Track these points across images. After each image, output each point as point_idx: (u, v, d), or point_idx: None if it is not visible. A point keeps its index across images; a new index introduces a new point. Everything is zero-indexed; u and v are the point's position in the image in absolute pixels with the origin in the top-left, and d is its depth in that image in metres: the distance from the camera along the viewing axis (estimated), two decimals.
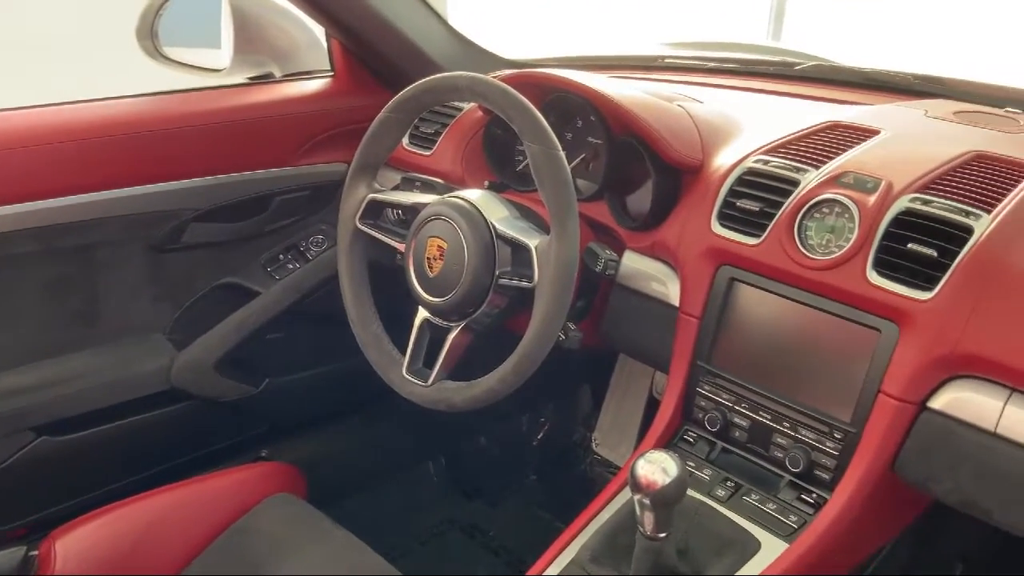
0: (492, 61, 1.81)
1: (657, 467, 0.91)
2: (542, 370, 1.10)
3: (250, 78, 1.70)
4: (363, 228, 1.27)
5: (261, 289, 1.67)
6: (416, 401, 1.20)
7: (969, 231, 0.98)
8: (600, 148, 1.37)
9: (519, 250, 1.13)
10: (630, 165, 1.30)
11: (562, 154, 1.07)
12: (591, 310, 1.32)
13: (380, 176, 1.29)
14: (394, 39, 1.62)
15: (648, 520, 0.94)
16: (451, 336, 1.18)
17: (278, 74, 1.72)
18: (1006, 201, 1.00)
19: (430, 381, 1.18)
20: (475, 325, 1.18)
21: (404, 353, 1.22)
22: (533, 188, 1.12)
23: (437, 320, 1.20)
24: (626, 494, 1.12)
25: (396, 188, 1.40)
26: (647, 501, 0.92)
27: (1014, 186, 1.03)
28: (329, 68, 1.74)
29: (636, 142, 1.26)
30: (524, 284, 1.12)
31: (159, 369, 1.59)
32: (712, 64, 1.77)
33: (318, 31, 1.71)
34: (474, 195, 1.19)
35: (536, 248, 1.10)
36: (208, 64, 1.68)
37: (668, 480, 0.91)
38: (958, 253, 0.97)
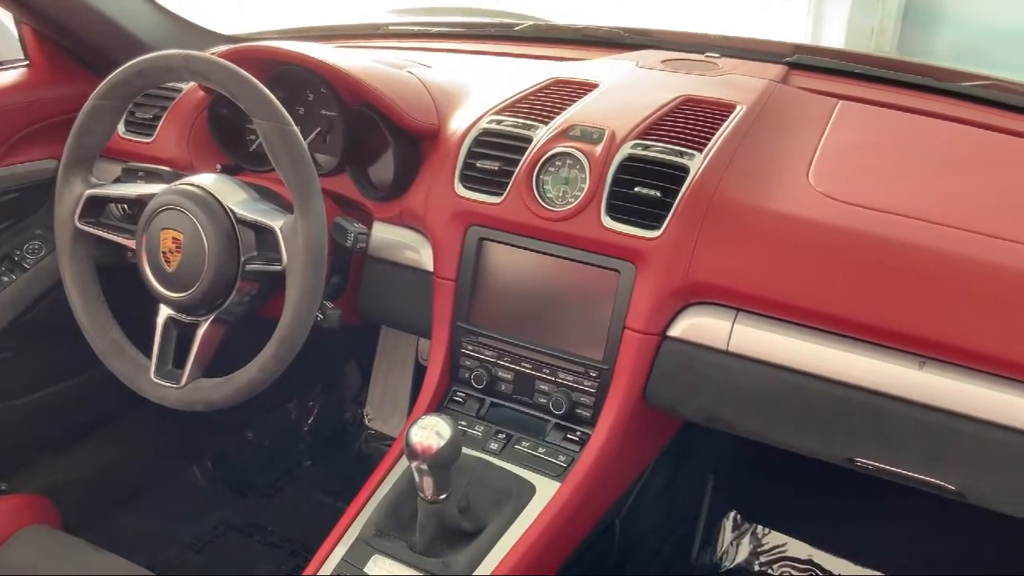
0: (208, 37, 1.72)
1: (431, 431, 0.93)
2: (304, 352, 1.07)
3: None
4: (84, 228, 1.18)
5: None
6: (171, 405, 1.13)
7: (685, 170, 1.07)
8: (335, 120, 1.34)
9: (263, 233, 1.09)
10: (368, 135, 1.29)
11: (295, 129, 1.05)
12: (347, 286, 1.30)
13: (97, 169, 1.20)
14: (93, 20, 1.49)
15: (428, 485, 0.96)
16: (200, 331, 1.13)
17: None
18: (714, 139, 1.11)
19: (183, 382, 1.12)
20: (226, 316, 1.13)
21: (150, 356, 1.15)
22: (270, 168, 1.09)
23: (182, 316, 1.14)
24: (404, 463, 1.13)
25: (117, 181, 1.29)
26: (424, 466, 0.94)
27: (720, 124, 1.14)
28: (23, 57, 1.58)
29: (371, 111, 1.25)
30: (273, 267, 1.08)
31: None
32: (436, 29, 1.79)
33: (5, 17, 1.54)
34: (206, 180, 1.14)
35: (281, 229, 1.06)
36: None
37: (442, 442, 0.93)
38: (678, 192, 1.05)
